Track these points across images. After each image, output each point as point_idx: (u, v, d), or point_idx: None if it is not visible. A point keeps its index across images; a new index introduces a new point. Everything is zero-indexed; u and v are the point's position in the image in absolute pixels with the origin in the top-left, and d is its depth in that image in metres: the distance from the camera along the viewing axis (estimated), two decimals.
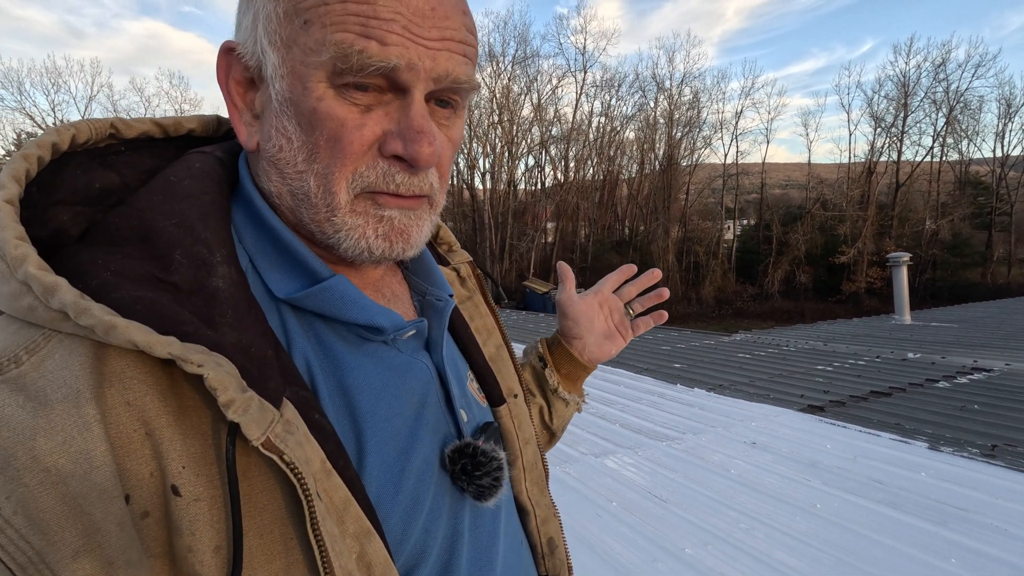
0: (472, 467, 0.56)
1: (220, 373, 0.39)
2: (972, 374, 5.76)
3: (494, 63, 45.12)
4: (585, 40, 48.24)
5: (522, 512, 0.70)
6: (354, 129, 0.47)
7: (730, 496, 3.20)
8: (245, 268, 0.50)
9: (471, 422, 0.61)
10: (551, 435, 0.92)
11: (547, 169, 51.00)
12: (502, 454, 0.59)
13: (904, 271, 9.62)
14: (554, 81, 46.42)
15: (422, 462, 0.53)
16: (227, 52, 0.52)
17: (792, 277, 41.94)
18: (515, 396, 0.72)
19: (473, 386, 0.66)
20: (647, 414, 4.99)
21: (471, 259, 0.77)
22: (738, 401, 5.29)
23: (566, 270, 0.93)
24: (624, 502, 3.19)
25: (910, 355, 6.89)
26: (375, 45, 0.45)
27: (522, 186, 51.45)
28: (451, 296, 0.65)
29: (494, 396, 0.68)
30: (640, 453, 3.99)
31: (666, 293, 1.02)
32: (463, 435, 0.59)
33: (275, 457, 0.40)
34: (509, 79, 45.75)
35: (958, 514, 2.83)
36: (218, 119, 0.62)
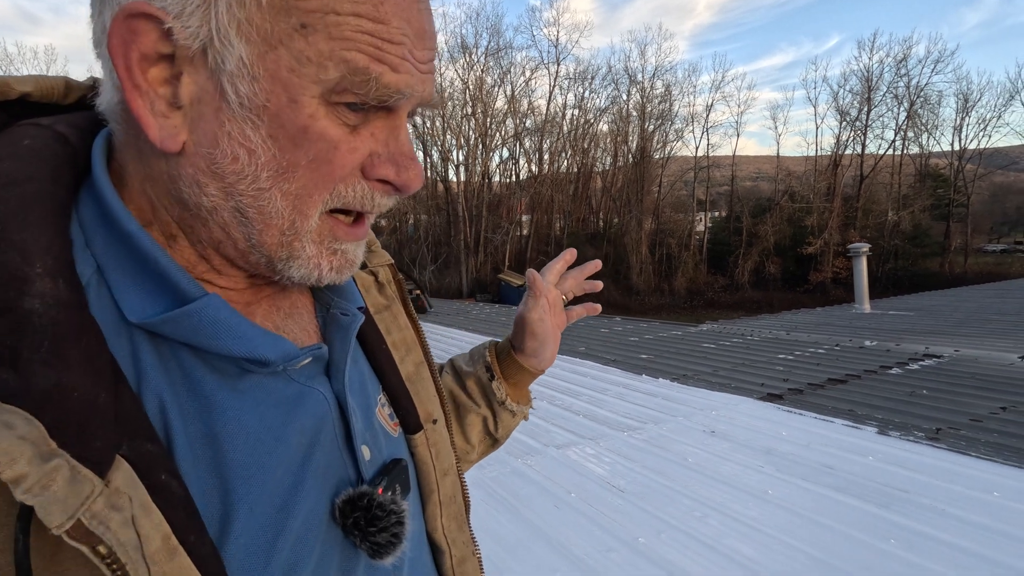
0: (366, 522, 0.48)
1: (6, 438, 0.31)
2: (923, 360, 5.97)
3: (467, 55, 44.78)
4: (558, 33, 48.28)
5: (436, 551, 0.64)
6: (347, 152, 0.43)
7: (686, 484, 3.25)
8: (87, 282, 0.40)
9: (375, 460, 0.54)
10: (494, 441, 0.87)
11: (521, 162, 50.94)
12: (404, 505, 0.52)
13: (864, 261, 9.91)
14: (527, 73, 46.36)
15: (306, 518, 0.46)
16: (136, 17, 0.38)
17: (762, 268, 42.84)
18: (434, 422, 0.65)
19: (384, 412, 0.59)
20: (612, 405, 5.04)
21: (392, 261, 0.69)
22: (700, 390, 5.38)
23: (536, 281, 0.83)
24: (583, 493, 3.22)
25: (867, 343, 7.10)
26: (388, 72, 0.41)
27: (496, 179, 51.33)
28: (361, 309, 0.58)
29: (409, 422, 0.61)
30: (602, 444, 4.03)
31: (599, 285, 0.99)
32: (362, 478, 0.51)
33: (84, 549, 0.32)
34: (482, 71, 45.47)
35: (901, 496, 2.93)
36: (66, 83, 0.50)
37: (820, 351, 6.88)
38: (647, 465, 3.58)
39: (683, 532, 2.71)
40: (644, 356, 7.24)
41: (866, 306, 10.27)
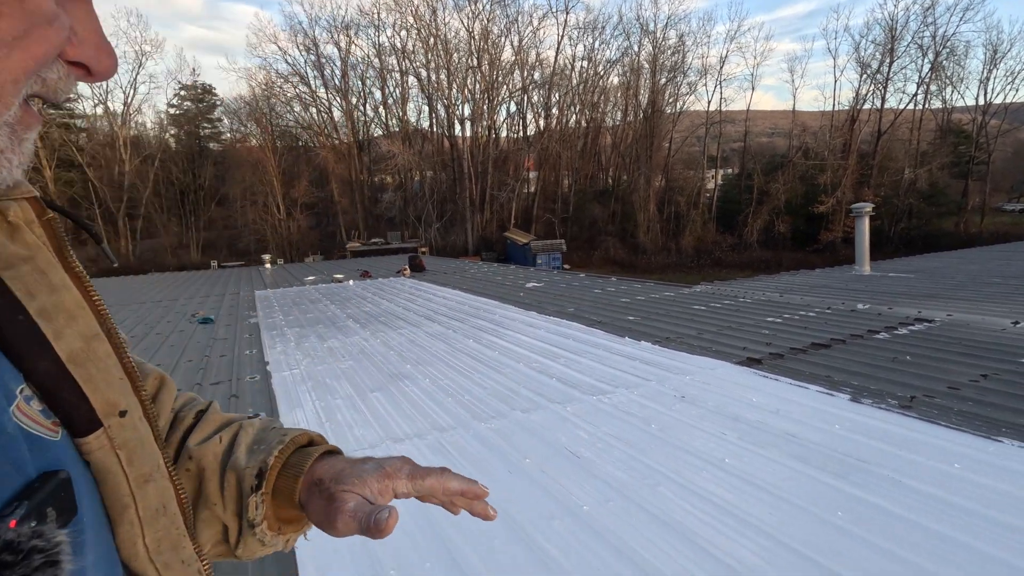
0: None
1: None
2: (913, 325, 5.82)
3: (472, 2, 43.12)
4: None
5: None
6: (60, 29, 0.39)
7: (645, 451, 3.20)
8: None
9: (9, 480, 0.39)
10: (233, 554, 0.68)
11: (529, 117, 49.79)
12: (59, 537, 0.37)
13: (867, 221, 9.62)
14: (535, 22, 44.69)
15: None
16: None
17: (771, 227, 42.14)
18: (121, 414, 0.50)
19: (30, 410, 0.43)
20: (587, 368, 4.98)
21: (36, 194, 0.51)
22: (680, 354, 5.29)
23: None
24: (538, 459, 3.18)
25: (859, 306, 6.94)
26: None
27: (503, 134, 50.31)
28: None
29: (77, 419, 0.46)
30: (569, 408, 3.98)
31: (493, 516, 0.73)
32: None
33: None
34: (488, 20, 43.88)
35: (859, 466, 2.86)
36: None
37: (810, 314, 6.74)
38: (610, 431, 3.53)
39: (631, 501, 2.67)
40: (631, 318, 7.14)
41: (866, 268, 10.03)
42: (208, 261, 38.22)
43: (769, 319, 6.61)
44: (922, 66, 38.44)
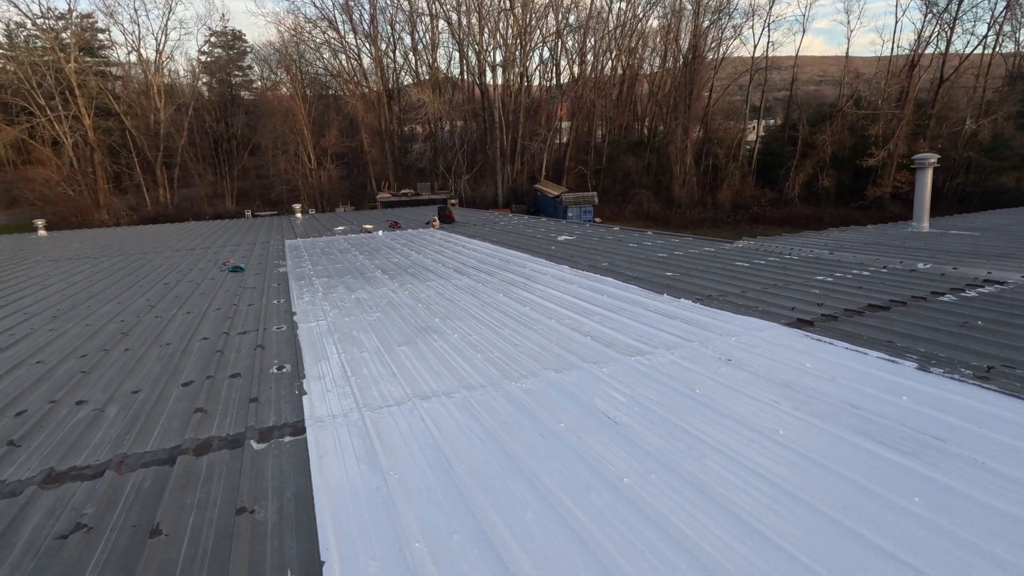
0: None
1: None
2: (983, 287, 5.33)
3: None
4: None
5: None
6: None
7: (688, 419, 2.96)
8: None
9: None
10: None
11: (562, 63, 47.90)
12: None
13: (929, 174, 8.86)
14: None
15: None
16: None
17: (814, 181, 40.21)
18: None
19: None
20: (623, 326, 4.71)
21: None
22: (723, 313, 4.97)
23: None
24: (573, 423, 2.98)
25: (920, 266, 6.42)
26: None
27: (536, 82, 48.66)
28: None
29: None
30: (605, 370, 3.74)
31: None
32: None
33: None
34: None
35: (934, 445, 2.56)
36: None
37: (864, 273, 6.27)
38: (650, 395, 3.29)
39: (675, 474, 2.45)
40: (669, 274, 6.79)
41: (925, 224, 9.34)
42: (243, 210, 38.69)
43: (819, 278, 6.18)
44: (995, 3, 35.14)
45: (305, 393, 3.56)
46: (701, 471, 2.46)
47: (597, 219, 34.57)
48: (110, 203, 40.07)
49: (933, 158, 8.91)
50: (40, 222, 18.24)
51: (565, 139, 46.92)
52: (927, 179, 8.97)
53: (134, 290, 7.61)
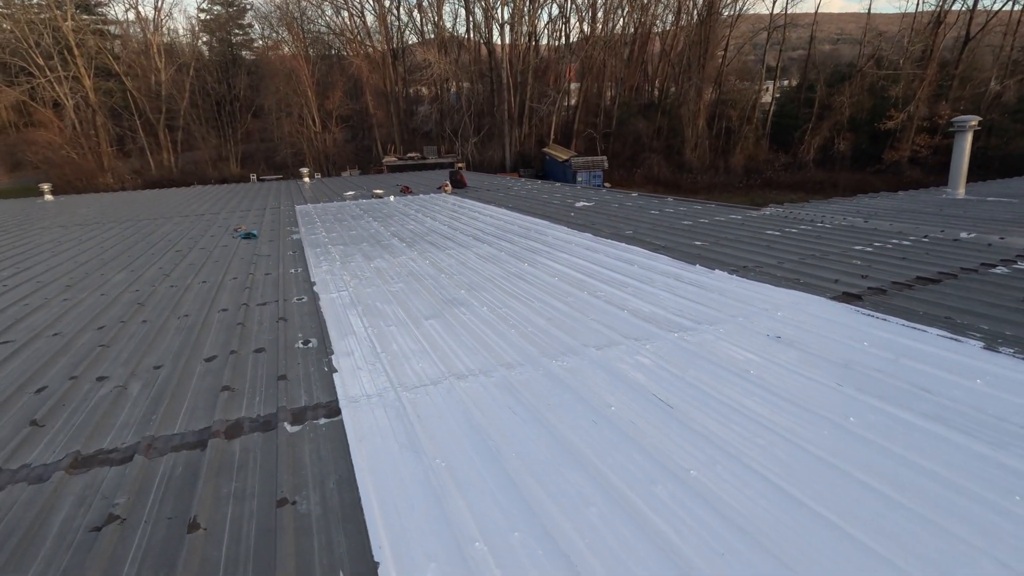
0: None
1: None
2: None
3: None
4: None
5: None
6: None
7: (746, 403, 2.78)
8: None
9: None
10: None
11: (572, 20, 46.33)
12: None
13: (968, 138, 8.45)
14: None
15: None
16: None
17: (830, 145, 39.24)
18: None
19: None
20: (660, 300, 4.51)
21: None
22: (763, 286, 4.75)
23: None
24: (624, 407, 2.81)
25: (963, 235, 6.14)
26: None
27: (544, 41, 47.23)
28: None
29: None
30: (648, 346, 3.56)
31: None
32: None
33: None
34: None
35: (1022, 435, 2.38)
36: None
37: (905, 243, 6.00)
38: (700, 376, 3.11)
39: (743, 465, 2.28)
40: (699, 243, 6.54)
41: (960, 191, 8.98)
42: (247, 174, 38.26)
43: (857, 247, 5.92)
44: None
45: (335, 370, 3.40)
46: (770, 462, 2.29)
47: (607, 184, 33.97)
48: (114, 167, 39.67)
49: (973, 120, 8.48)
50: (46, 186, 17.99)
51: (574, 101, 45.76)
52: (966, 143, 8.56)
53: (146, 257, 7.43)
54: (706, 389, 2.94)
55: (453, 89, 46.56)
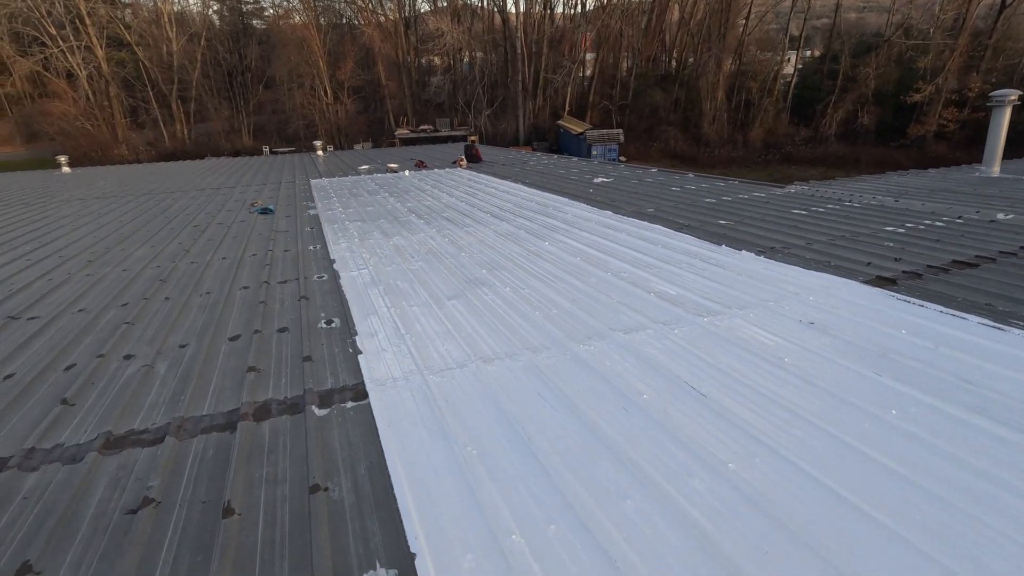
0: None
1: None
2: None
3: None
4: None
5: None
6: None
7: (782, 393, 2.71)
8: None
9: None
10: None
11: None
12: None
13: (1007, 113, 8.11)
14: None
15: None
16: None
17: (853, 118, 38.17)
18: None
19: None
20: (687, 282, 4.42)
21: None
22: (791, 268, 4.63)
23: None
24: (656, 394, 2.75)
25: (1000, 216, 5.94)
26: None
27: (560, 9, 46.03)
28: None
29: None
30: (676, 331, 3.49)
31: None
32: None
33: None
34: None
35: None
36: None
37: (939, 224, 5.82)
38: (733, 363, 3.04)
39: (782, 459, 2.23)
40: (723, 222, 6.39)
41: (995, 169, 8.67)
42: (260, 146, 38.12)
43: (888, 228, 5.75)
44: None
45: (360, 352, 3.38)
46: (810, 456, 2.23)
47: (622, 158, 33.43)
48: (128, 138, 39.71)
49: (1013, 95, 8.12)
50: (63, 158, 18.07)
51: (589, 72, 44.77)
52: (1004, 118, 8.22)
53: (165, 232, 7.44)
54: (739, 377, 2.88)
55: (466, 59, 45.73)
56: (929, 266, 4.47)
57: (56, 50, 38.85)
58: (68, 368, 3.38)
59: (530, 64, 42.54)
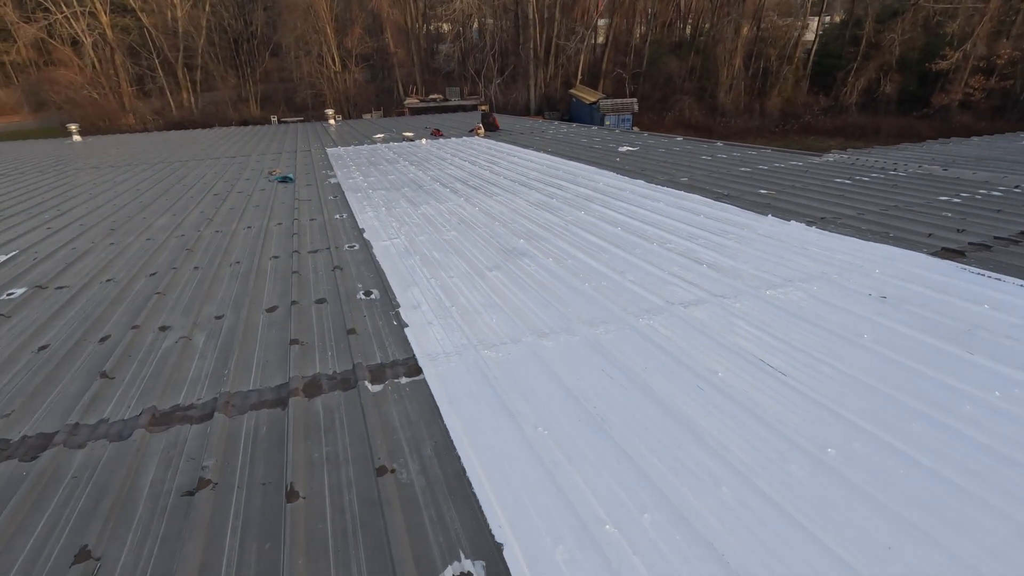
0: None
1: None
2: None
3: None
4: None
5: None
6: None
7: (871, 372, 2.53)
8: None
9: None
10: None
11: None
12: None
13: None
14: None
15: None
16: None
17: (875, 87, 37.04)
18: None
19: None
20: (736, 252, 4.20)
21: None
22: (848, 239, 4.40)
23: None
24: (730, 373, 2.58)
25: None
26: None
27: None
28: None
29: None
30: (738, 305, 3.30)
31: None
32: None
33: None
34: None
35: None
36: None
37: (995, 194, 5.53)
38: (806, 339, 2.86)
39: (888, 446, 2.06)
40: (763, 191, 6.13)
41: None
42: (268, 116, 37.59)
43: (942, 198, 5.47)
44: None
45: (406, 325, 3.22)
46: (918, 443, 2.06)
47: (636, 128, 32.72)
48: (135, 107, 39.28)
49: None
50: (74, 127, 17.83)
51: (602, 39, 43.53)
52: None
53: (185, 201, 7.26)
54: (817, 354, 2.69)
55: (476, 26, 44.58)
56: (996, 237, 4.22)
57: (60, 16, 38.17)
58: (103, 340, 3.25)
59: (542, 31, 41.40)
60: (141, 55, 41.20)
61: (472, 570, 1.63)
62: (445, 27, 46.81)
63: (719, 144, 10.11)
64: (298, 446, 2.21)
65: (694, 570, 1.58)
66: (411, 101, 37.73)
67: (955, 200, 5.38)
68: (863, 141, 31.70)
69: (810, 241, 4.40)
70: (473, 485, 1.95)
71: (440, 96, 39.49)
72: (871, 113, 36.93)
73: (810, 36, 41.59)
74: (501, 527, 1.76)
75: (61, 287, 4.16)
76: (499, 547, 1.69)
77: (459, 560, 1.67)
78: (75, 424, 2.41)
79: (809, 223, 4.87)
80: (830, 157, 8.19)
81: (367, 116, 35.49)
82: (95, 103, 37.06)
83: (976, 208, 5.06)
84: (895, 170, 6.93)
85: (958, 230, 4.44)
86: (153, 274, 4.37)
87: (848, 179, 6.59)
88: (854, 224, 4.79)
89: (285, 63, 43.48)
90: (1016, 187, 5.72)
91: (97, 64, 39.02)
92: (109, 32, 38.96)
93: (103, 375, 2.82)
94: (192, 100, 42.00)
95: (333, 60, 41.13)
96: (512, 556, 1.66)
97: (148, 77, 42.28)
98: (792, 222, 4.93)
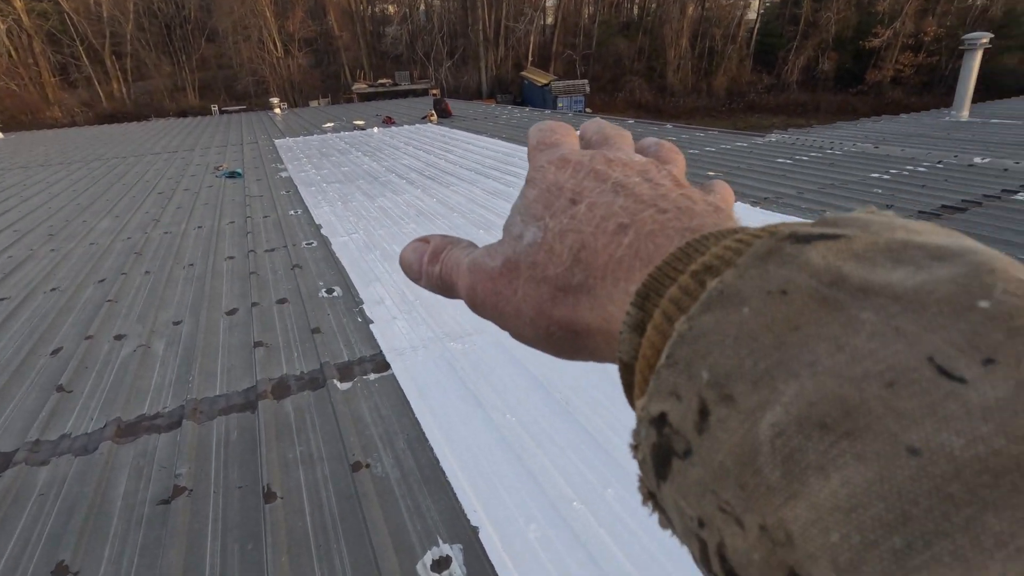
0: None
1: None
2: None
3: None
4: None
5: None
6: None
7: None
8: None
9: None
10: None
11: None
12: None
13: (978, 57, 8.22)
14: None
15: None
16: None
17: (814, 64, 38.44)
18: None
19: None
20: None
21: None
22: (787, 218, 4.65)
23: None
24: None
25: (977, 160, 6.09)
26: None
27: None
28: None
29: None
30: None
31: None
32: None
33: None
34: None
35: None
36: None
37: (920, 170, 5.94)
38: None
39: None
40: (711, 173, 6.37)
41: (964, 113, 8.86)
42: (208, 105, 35.99)
43: (874, 175, 5.83)
44: None
45: (371, 321, 3.26)
46: None
47: (588, 109, 32.97)
48: (61, 99, 36.90)
49: (984, 37, 8.22)
50: None
51: (551, 20, 43.45)
52: (975, 62, 8.34)
53: (128, 201, 6.98)
54: None
55: (422, 7, 43.72)
56: (920, 211, 4.56)
57: None
58: (55, 352, 3.16)
59: (490, 12, 40.98)
60: (63, 42, 38.60)
61: (450, 553, 1.74)
62: (391, 9, 45.69)
63: (669, 127, 10.38)
64: (271, 448, 2.24)
65: (653, 535, 1.73)
66: (359, 86, 36.81)
67: (885, 177, 5.74)
68: (804, 119, 32.91)
69: (755, 221, 4.63)
70: (447, 474, 2.04)
71: (389, 80, 38.68)
72: (811, 90, 38.37)
73: (752, 15, 42.68)
74: (476, 511, 1.86)
75: (1, 299, 3.99)
76: (475, 530, 1.80)
77: (437, 545, 1.77)
78: (35, 441, 2.37)
79: (753, 203, 5.13)
80: (772, 137, 8.55)
81: (314, 103, 34.45)
82: (14, 95, 34.62)
83: (903, 184, 5.43)
84: (831, 149, 7.32)
85: (887, 205, 4.77)
86: (101, 281, 4.24)
87: (789, 159, 6.92)
88: (794, 203, 5.06)
89: (223, 49, 41.60)
90: (939, 162, 6.15)
91: (14, 53, 36.35)
92: (25, 18, 36.28)
93: (59, 388, 2.76)
94: (124, 90, 39.74)
95: (275, 45, 39.63)
96: (488, 538, 1.76)
97: (72, 66, 39.69)
98: (737, 203, 5.16)
